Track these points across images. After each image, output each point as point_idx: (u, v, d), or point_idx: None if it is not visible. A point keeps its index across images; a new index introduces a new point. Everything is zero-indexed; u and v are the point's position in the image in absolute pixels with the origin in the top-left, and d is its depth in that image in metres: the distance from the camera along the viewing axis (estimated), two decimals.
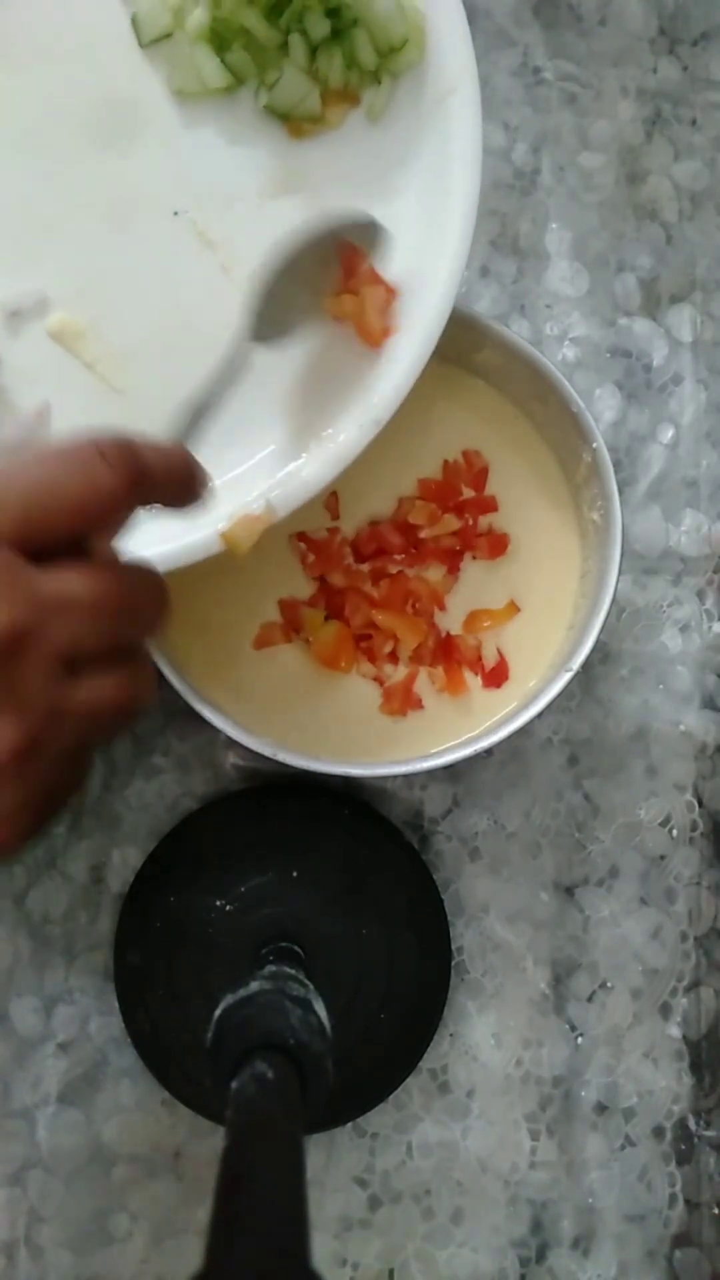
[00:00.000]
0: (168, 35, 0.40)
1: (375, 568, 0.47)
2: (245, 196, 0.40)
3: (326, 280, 0.39)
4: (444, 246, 0.39)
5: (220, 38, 0.39)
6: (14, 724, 0.26)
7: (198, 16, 0.39)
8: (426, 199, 0.40)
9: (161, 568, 0.31)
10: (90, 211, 0.40)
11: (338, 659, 0.46)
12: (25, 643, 0.26)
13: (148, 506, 0.29)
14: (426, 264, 0.39)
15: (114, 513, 0.28)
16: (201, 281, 0.40)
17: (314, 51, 0.39)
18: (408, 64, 0.39)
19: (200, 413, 0.35)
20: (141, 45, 0.40)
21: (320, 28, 0.39)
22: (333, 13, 0.39)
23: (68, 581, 0.27)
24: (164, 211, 0.40)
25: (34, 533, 0.27)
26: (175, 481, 0.30)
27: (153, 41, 0.40)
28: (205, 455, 0.32)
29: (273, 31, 0.39)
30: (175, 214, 0.40)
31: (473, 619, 0.47)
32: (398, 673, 0.47)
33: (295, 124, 0.40)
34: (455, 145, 0.39)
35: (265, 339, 0.38)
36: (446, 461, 0.48)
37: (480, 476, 0.48)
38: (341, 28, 0.39)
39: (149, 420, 0.35)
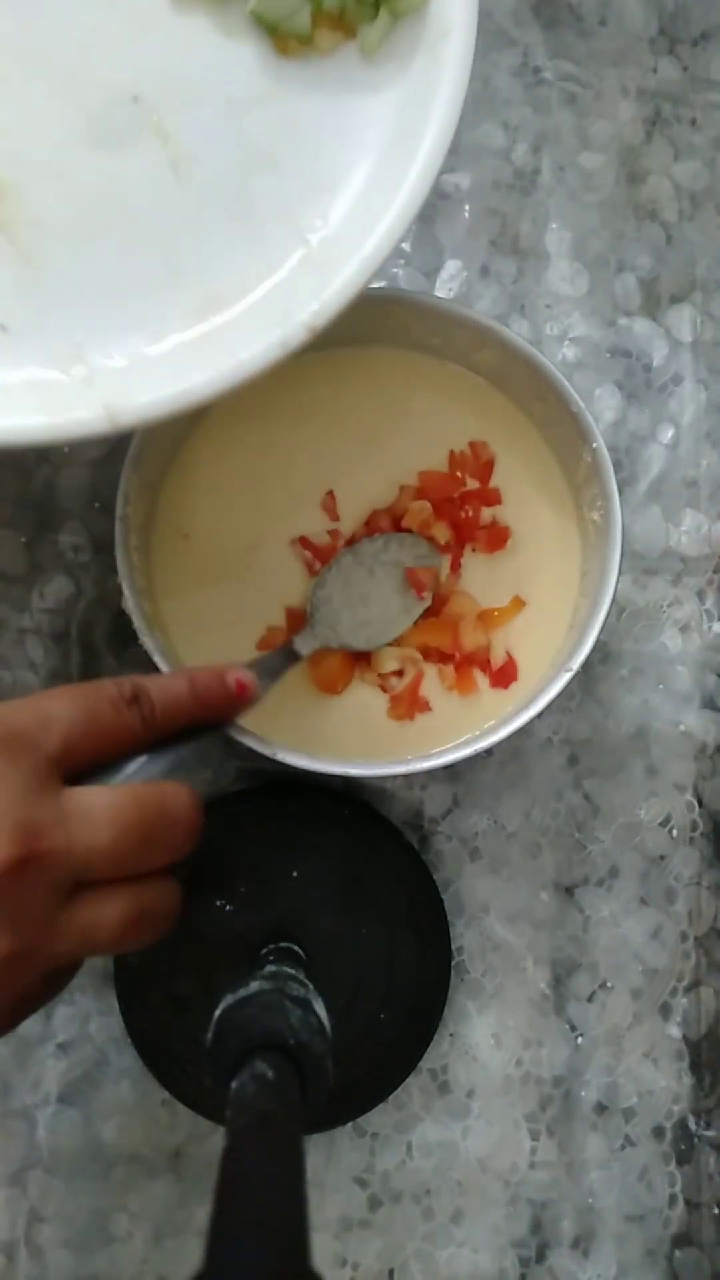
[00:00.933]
0: None
1: None
2: (214, 100, 0.38)
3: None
4: (395, 199, 0.37)
5: None
6: (6, 936, 0.28)
7: None
8: (396, 146, 0.38)
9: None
10: (45, 71, 0.37)
11: (336, 684, 0.46)
12: (38, 862, 0.28)
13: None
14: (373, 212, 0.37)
15: (130, 747, 0.31)
16: (146, 173, 0.37)
17: None
18: (410, 5, 0.37)
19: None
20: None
21: None
22: None
23: (92, 803, 0.29)
24: (123, 93, 0.37)
25: (71, 753, 0.30)
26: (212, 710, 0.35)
27: None
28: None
29: None
30: (134, 99, 0.37)
31: (483, 618, 0.47)
32: (403, 681, 0.47)
33: (282, 39, 0.38)
34: (439, 90, 0.37)
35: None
36: (453, 452, 0.48)
37: (486, 468, 0.48)
38: None
39: (51, 298, 0.35)
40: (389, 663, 0.47)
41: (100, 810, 0.29)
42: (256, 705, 0.39)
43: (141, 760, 0.34)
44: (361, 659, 0.47)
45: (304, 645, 0.44)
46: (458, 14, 0.37)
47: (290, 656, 0.44)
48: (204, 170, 0.37)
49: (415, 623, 0.47)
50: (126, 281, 0.37)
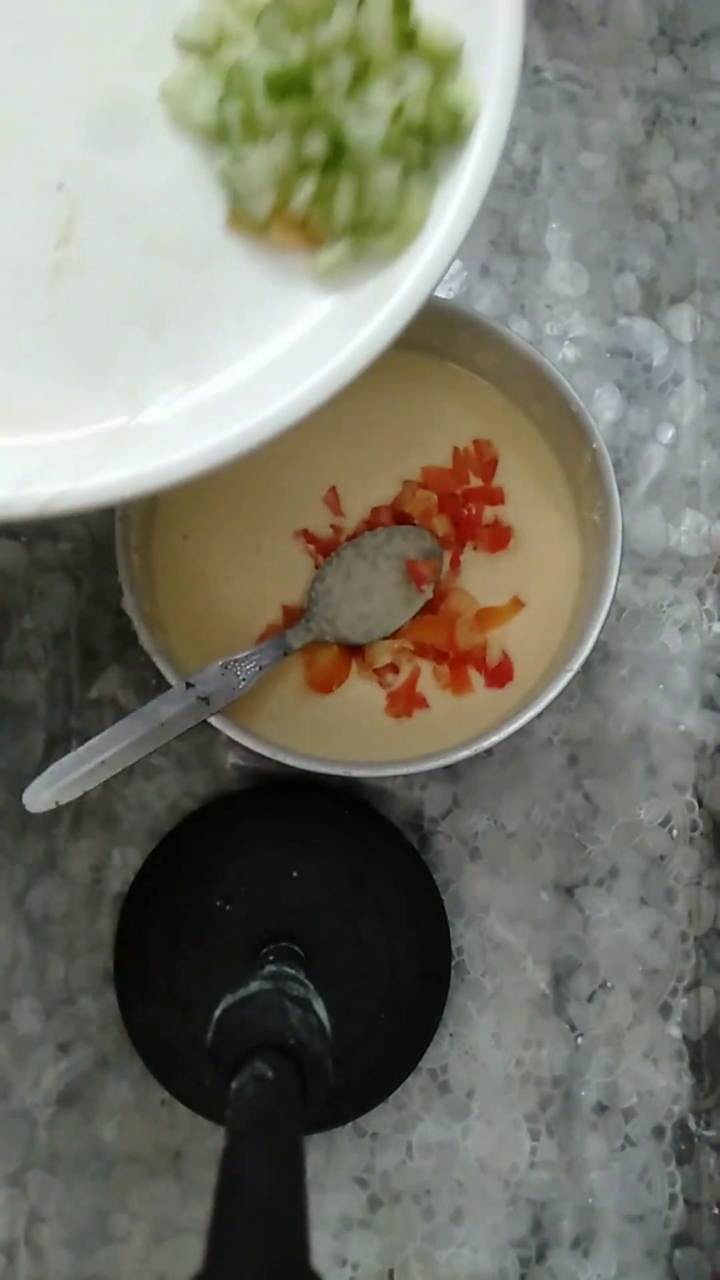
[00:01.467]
0: (202, 49, 0.34)
1: None
2: (139, 226, 0.34)
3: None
4: None
5: (232, 83, 0.33)
6: None
7: (232, 51, 0.33)
8: (280, 370, 0.34)
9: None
10: None
11: (330, 682, 0.46)
12: None
13: None
14: None
15: None
16: (23, 262, 0.33)
17: (298, 161, 0.33)
18: (380, 250, 0.33)
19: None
20: (177, 40, 0.34)
21: (315, 143, 0.33)
22: (335, 143, 0.33)
23: None
24: (50, 177, 0.33)
25: None
26: None
27: (185, 43, 0.34)
28: None
29: (270, 110, 0.33)
30: (60, 187, 0.33)
31: (480, 617, 0.47)
32: (399, 677, 0.47)
33: (236, 213, 0.33)
34: (361, 334, 0.32)
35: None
36: (456, 449, 0.48)
37: (489, 466, 0.48)
38: (332, 161, 0.33)
39: None
40: (382, 656, 0.47)
41: None
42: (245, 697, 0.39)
43: None
44: (356, 655, 0.47)
45: (296, 639, 0.44)
46: (419, 278, 0.32)
47: (281, 648, 0.43)
48: (81, 290, 0.33)
49: (413, 618, 0.47)
50: None
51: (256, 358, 0.33)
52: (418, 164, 0.33)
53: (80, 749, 0.41)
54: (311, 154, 0.32)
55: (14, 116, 0.34)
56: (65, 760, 0.41)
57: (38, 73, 0.34)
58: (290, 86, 0.32)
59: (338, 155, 0.32)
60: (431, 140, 0.32)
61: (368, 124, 0.32)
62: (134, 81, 0.34)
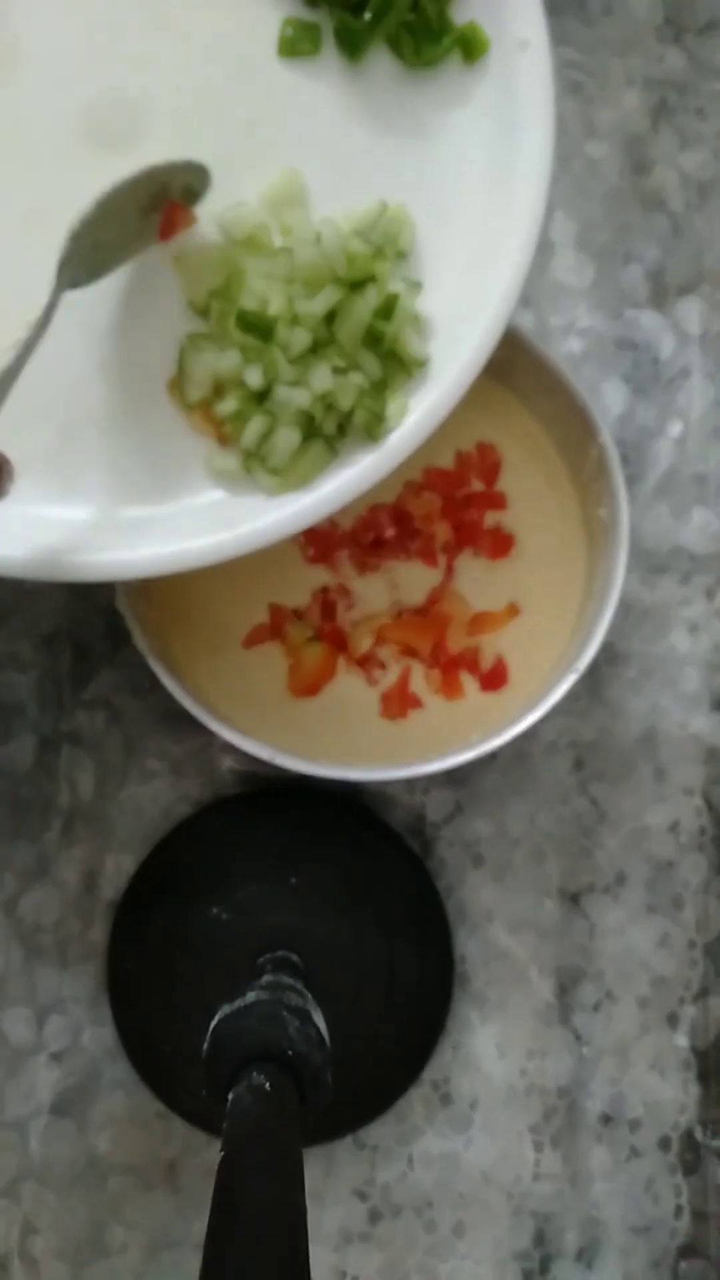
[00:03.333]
0: (227, 240, 0.38)
1: (370, 564, 0.47)
2: (107, 347, 0.38)
3: (145, 225, 0.37)
4: None
5: (224, 290, 0.37)
6: None
7: (244, 263, 0.37)
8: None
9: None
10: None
11: (317, 684, 0.46)
12: None
13: None
14: None
15: None
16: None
17: (236, 378, 0.37)
18: (262, 484, 0.37)
19: (9, 376, 0.33)
20: (189, 305, 0.38)
21: (253, 375, 0.37)
22: (268, 385, 0.37)
23: None
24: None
25: None
26: None
27: (225, 230, 0.38)
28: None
29: (236, 331, 0.37)
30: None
31: (475, 623, 0.47)
32: (387, 675, 0.47)
33: (173, 382, 0.38)
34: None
35: (76, 284, 0.36)
36: (459, 451, 0.47)
37: (492, 471, 0.47)
38: (260, 396, 0.37)
39: None
40: (364, 640, 0.46)
41: None
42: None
43: None
44: (341, 650, 0.46)
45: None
46: (275, 523, 0.37)
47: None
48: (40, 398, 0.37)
49: (399, 619, 0.47)
50: None
51: (167, 507, 0.38)
52: (328, 435, 0.37)
53: None
54: (248, 381, 0.37)
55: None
56: None
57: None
58: (256, 326, 0.36)
59: (265, 394, 0.37)
60: (345, 429, 0.37)
61: (296, 391, 0.36)
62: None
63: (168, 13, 0.38)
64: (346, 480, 0.37)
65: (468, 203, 0.38)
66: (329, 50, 0.38)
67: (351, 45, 0.38)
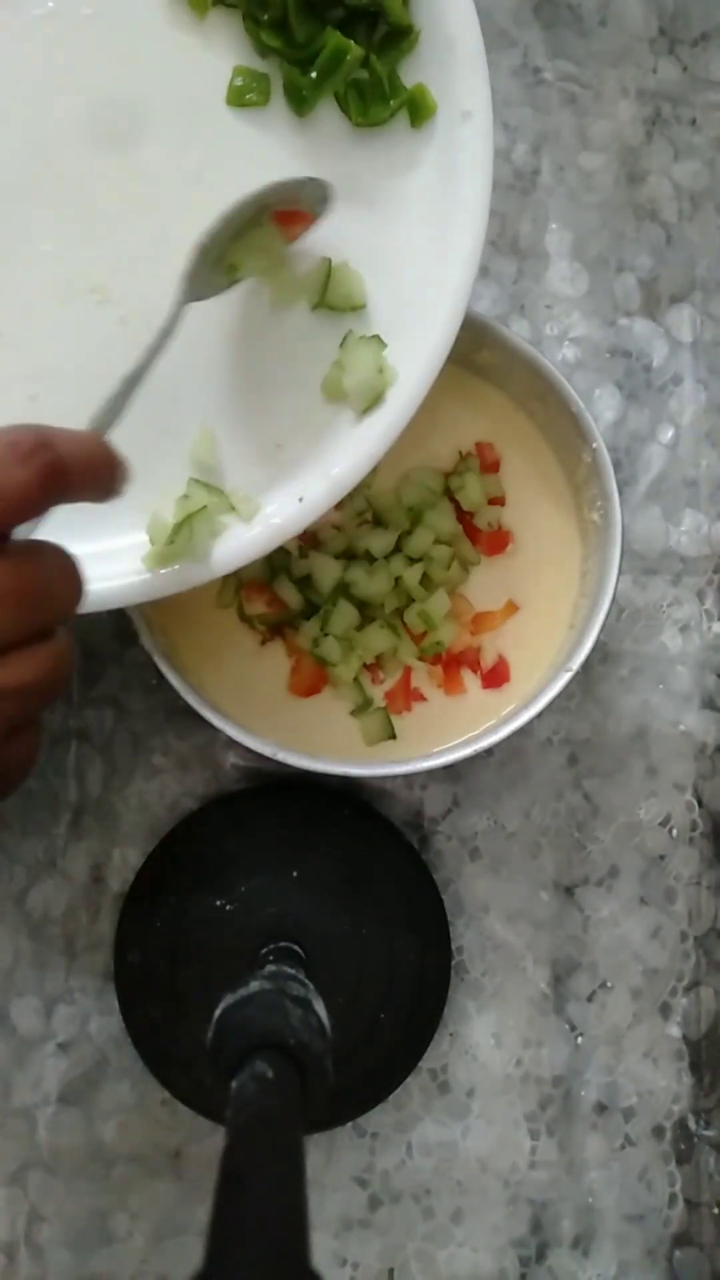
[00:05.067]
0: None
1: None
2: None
3: (267, 240, 0.38)
4: None
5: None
6: None
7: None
8: None
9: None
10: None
11: (318, 685, 0.46)
12: None
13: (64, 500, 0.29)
14: None
15: (26, 510, 0.27)
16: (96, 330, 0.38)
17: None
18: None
19: (132, 383, 0.34)
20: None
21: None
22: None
23: None
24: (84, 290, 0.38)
25: None
26: (93, 476, 0.30)
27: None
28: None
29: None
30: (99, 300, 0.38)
31: (475, 621, 0.47)
32: (390, 676, 0.47)
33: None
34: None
35: (199, 298, 0.37)
36: (461, 453, 0.48)
37: (491, 469, 0.48)
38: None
39: None
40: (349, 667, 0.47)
41: None
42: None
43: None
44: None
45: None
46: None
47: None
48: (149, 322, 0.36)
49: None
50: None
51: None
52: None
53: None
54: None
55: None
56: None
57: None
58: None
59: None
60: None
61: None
62: None
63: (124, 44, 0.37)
64: (306, 509, 0.38)
65: (408, 258, 0.38)
66: (278, 102, 0.38)
67: (299, 100, 0.37)
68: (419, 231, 0.38)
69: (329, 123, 0.38)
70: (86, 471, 0.29)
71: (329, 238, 0.38)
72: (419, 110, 0.37)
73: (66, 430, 0.29)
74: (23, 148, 0.37)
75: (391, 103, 0.37)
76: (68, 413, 0.32)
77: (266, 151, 0.38)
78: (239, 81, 0.38)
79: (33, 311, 0.38)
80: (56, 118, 0.37)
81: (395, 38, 0.38)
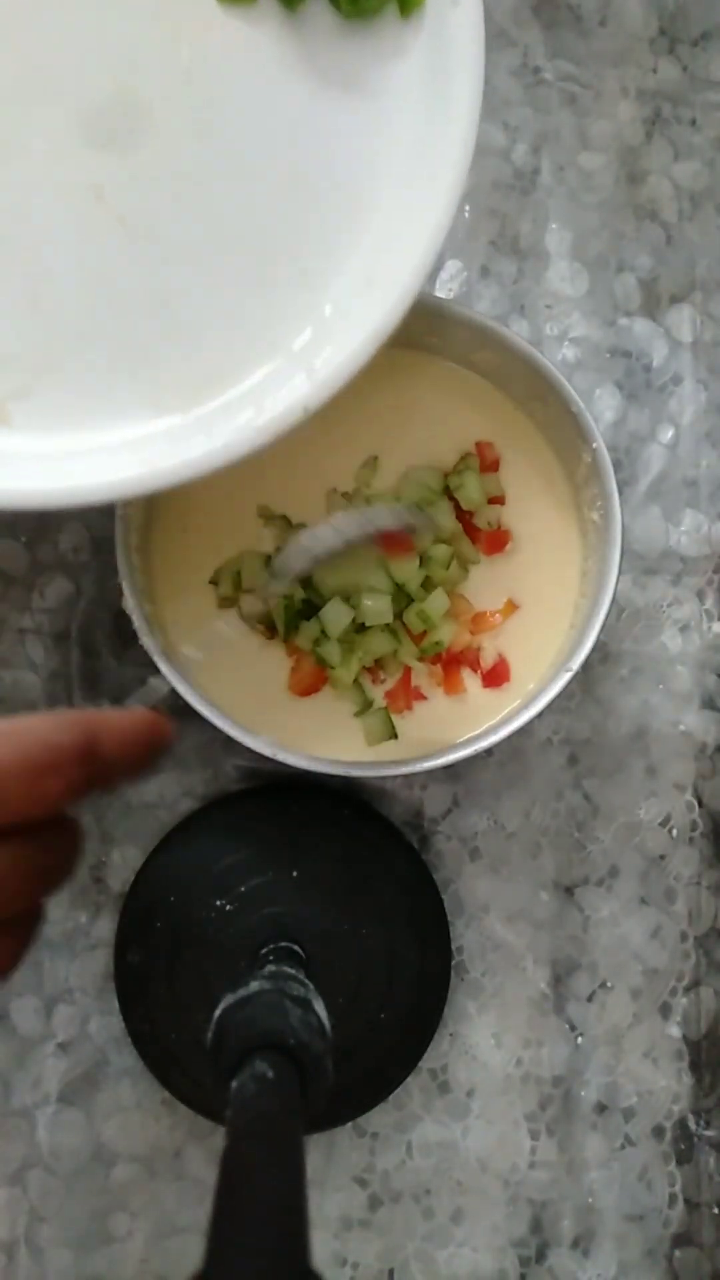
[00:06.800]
0: None
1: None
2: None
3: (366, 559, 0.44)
4: None
5: None
6: None
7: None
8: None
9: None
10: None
11: (318, 686, 0.46)
12: None
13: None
14: None
15: (53, 808, 0.27)
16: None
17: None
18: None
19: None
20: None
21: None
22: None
23: None
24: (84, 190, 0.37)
25: None
26: (131, 765, 0.29)
27: None
28: None
29: None
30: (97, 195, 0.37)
31: (475, 621, 0.47)
32: (391, 676, 0.47)
33: None
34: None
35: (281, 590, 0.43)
36: (462, 453, 0.48)
37: (491, 469, 0.48)
38: None
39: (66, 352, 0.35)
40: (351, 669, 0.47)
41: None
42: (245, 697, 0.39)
43: None
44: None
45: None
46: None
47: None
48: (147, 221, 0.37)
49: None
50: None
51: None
52: None
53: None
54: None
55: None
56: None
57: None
58: None
59: None
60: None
61: None
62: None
63: None
64: (283, 413, 0.37)
65: (400, 152, 0.38)
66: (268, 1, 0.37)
67: None
68: (412, 121, 0.38)
69: (318, 16, 0.38)
70: (123, 764, 0.29)
71: (320, 131, 0.38)
72: (408, 0, 0.37)
73: (113, 717, 0.28)
74: (15, 47, 0.37)
75: None
76: (65, 310, 0.32)
77: (256, 47, 0.38)
78: None
79: (29, 211, 0.37)
80: (45, 20, 0.37)
81: None
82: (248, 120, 0.37)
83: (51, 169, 0.37)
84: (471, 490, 0.46)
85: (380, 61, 0.38)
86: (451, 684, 0.47)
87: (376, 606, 0.45)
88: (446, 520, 0.47)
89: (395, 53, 0.38)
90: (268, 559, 0.46)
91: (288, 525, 0.47)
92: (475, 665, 0.47)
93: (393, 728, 0.45)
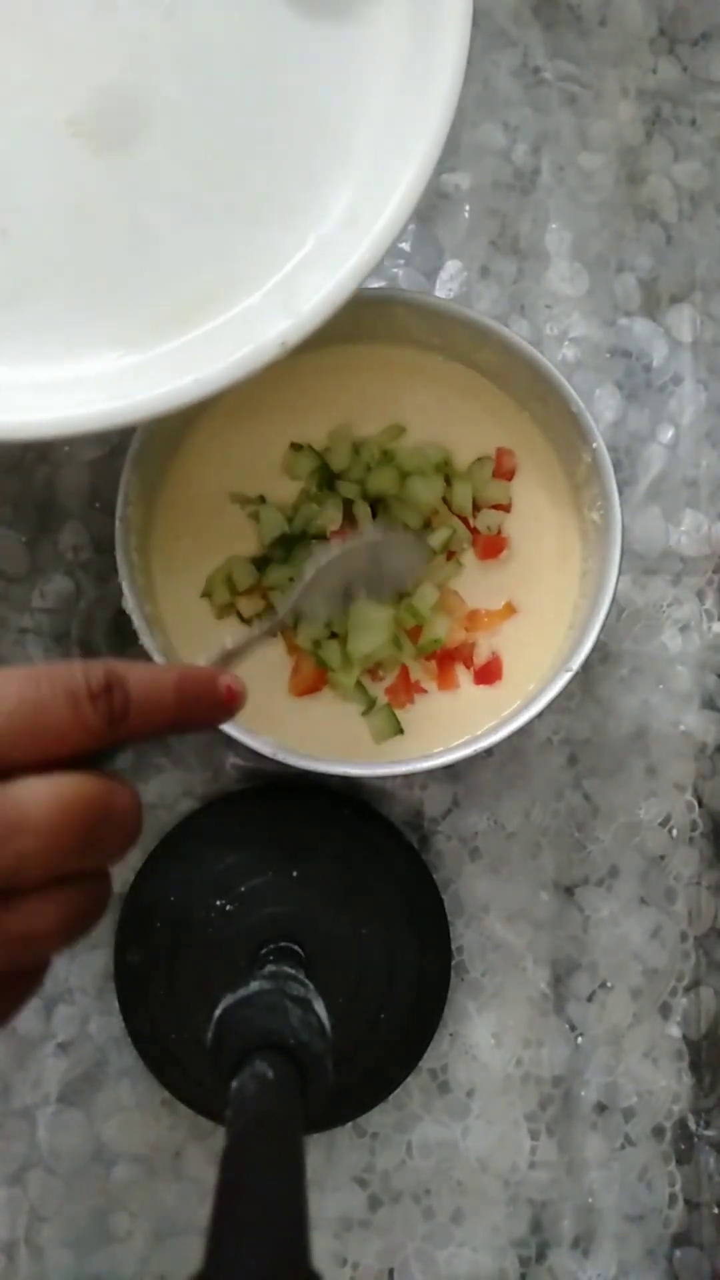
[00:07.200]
0: None
1: None
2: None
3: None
4: None
5: None
6: None
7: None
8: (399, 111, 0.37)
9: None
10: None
11: (318, 686, 0.46)
12: None
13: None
14: None
15: (90, 747, 0.27)
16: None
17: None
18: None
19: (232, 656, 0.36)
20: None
21: None
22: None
23: (23, 803, 0.25)
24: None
25: (2, 756, 0.25)
26: (179, 715, 0.29)
27: None
28: None
29: None
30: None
31: (470, 619, 0.47)
32: (390, 674, 0.47)
33: None
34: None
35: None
36: (483, 458, 0.48)
37: (506, 476, 0.48)
38: None
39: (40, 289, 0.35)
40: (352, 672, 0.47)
41: (36, 812, 0.25)
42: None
43: None
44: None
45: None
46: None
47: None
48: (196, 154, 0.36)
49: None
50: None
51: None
52: None
53: None
54: None
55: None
56: None
57: None
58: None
59: None
60: None
61: None
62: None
63: None
64: (259, 347, 0.36)
65: (386, 83, 0.37)
66: None
67: None
68: (398, 51, 0.37)
69: None
70: (157, 715, 0.29)
71: (303, 60, 0.37)
72: None
73: (145, 667, 0.28)
74: None
75: None
76: (39, 244, 0.33)
77: None
78: None
79: (3, 145, 0.37)
80: None
81: None
82: (230, 52, 0.37)
83: (25, 102, 0.36)
84: (461, 493, 0.46)
85: None
86: (445, 679, 0.47)
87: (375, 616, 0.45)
88: (433, 491, 0.47)
89: None
90: (254, 559, 0.46)
91: (263, 503, 0.47)
92: (469, 662, 0.47)
93: (398, 723, 0.45)
